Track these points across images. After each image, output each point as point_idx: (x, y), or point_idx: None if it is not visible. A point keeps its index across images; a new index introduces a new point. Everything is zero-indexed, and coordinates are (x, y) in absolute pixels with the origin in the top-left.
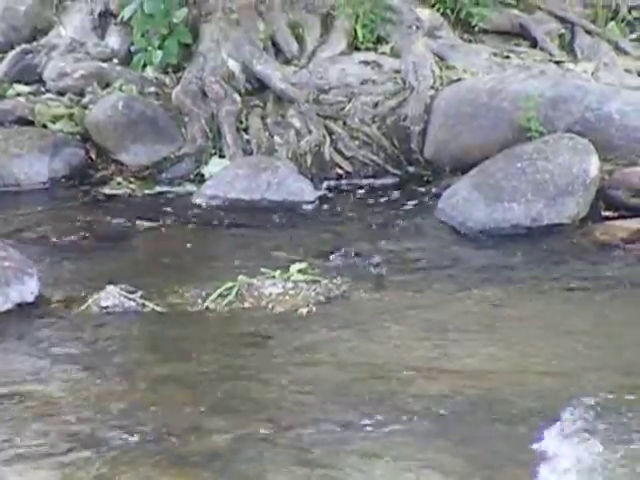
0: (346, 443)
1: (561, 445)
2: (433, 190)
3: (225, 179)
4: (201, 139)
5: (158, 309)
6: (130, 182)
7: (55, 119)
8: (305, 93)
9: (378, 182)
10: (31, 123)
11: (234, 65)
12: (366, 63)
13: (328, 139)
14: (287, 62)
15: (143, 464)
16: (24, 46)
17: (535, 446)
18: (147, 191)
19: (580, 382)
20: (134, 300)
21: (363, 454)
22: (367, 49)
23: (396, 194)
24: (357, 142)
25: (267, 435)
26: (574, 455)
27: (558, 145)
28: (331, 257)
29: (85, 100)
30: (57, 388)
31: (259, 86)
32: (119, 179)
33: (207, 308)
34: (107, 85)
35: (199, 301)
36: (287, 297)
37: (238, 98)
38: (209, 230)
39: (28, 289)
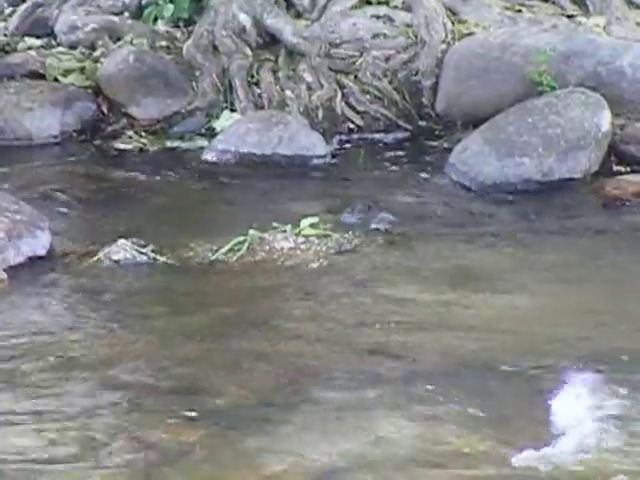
0: (355, 396)
1: (573, 399)
2: (444, 145)
3: (236, 133)
4: (212, 93)
5: (169, 263)
6: (141, 136)
7: (66, 73)
8: (316, 47)
9: (389, 136)
10: (42, 77)
11: (245, 19)
12: (377, 17)
13: (339, 93)
14: (298, 16)
15: (152, 418)
16: None
17: (547, 401)
18: (158, 145)
19: (594, 336)
20: (145, 254)
21: (374, 407)
22: (379, 3)
23: (407, 148)
24: (368, 96)
25: (276, 390)
26: (586, 410)
27: (570, 99)
28: (342, 212)
29: (96, 54)
30: (67, 341)
31: (270, 40)
32: (130, 133)
33: (218, 262)
34: (118, 39)
35: (210, 255)
36: (298, 251)
37: (249, 52)
38: (220, 184)
39: (40, 243)
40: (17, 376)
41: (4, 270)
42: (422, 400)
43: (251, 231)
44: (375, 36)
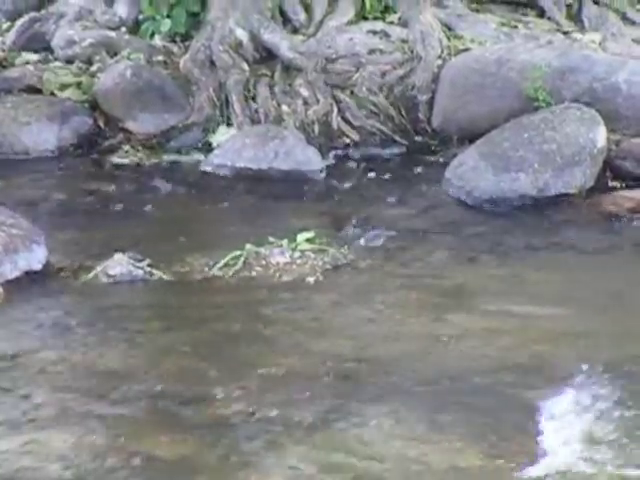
0: (348, 409)
1: (569, 412)
2: (440, 160)
3: (233, 148)
4: (209, 108)
5: (165, 277)
6: (138, 151)
7: (63, 87)
8: (313, 62)
9: (385, 151)
10: (39, 91)
11: (242, 34)
12: (374, 32)
13: (336, 108)
14: (295, 31)
15: (148, 432)
16: (32, 14)
17: (542, 413)
18: (154, 160)
19: (589, 348)
20: (141, 268)
21: (371, 423)
22: (375, 18)
23: (403, 163)
24: (364, 111)
25: (275, 402)
26: (582, 422)
27: (565, 115)
28: (338, 226)
29: (93, 68)
30: (64, 355)
31: (267, 55)
32: (127, 147)
33: (214, 277)
34: (115, 53)
35: (206, 270)
36: (294, 266)
37: (246, 67)
38: (216, 199)
39: (36, 257)
40: (12, 390)
41: (0, 284)
42: (416, 414)
43: (247, 246)
44: (371, 51)
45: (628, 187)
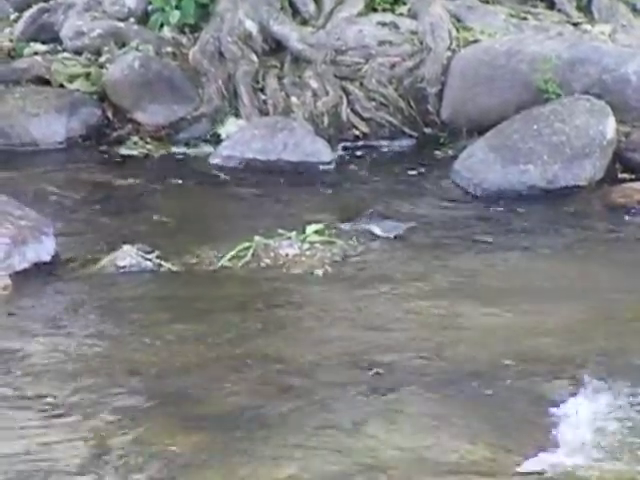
0: (363, 403)
1: (580, 406)
2: (449, 152)
3: (241, 140)
4: (218, 99)
5: (174, 269)
6: (146, 142)
7: (72, 78)
8: (322, 54)
9: (394, 143)
10: (48, 82)
11: (251, 25)
12: (383, 24)
13: (345, 100)
14: (304, 23)
15: (156, 423)
16: (41, 5)
17: (554, 407)
18: (163, 151)
19: (601, 343)
20: (150, 260)
21: (380, 413)
22: (384, 10)
23: (412, 155)
24: (374, 103)
25: (283, 394)
26: (593, 417)
27: (575, 107)
28: (347, 218)
29: (102, 59)
30: (71, 346)
31: (276, 46)
32: (136, 139)
33: (223, 268)
34: (124, 44)
35: (215, 261)
36: (303, 258)
37: (255, 58)
38: (225, 191)
39: (45, 248)
40: (19, 382)
41: (9, 276)
42: (426, 407)
43: (256, 237)
44: (381, 43)
45: (638, 179)
